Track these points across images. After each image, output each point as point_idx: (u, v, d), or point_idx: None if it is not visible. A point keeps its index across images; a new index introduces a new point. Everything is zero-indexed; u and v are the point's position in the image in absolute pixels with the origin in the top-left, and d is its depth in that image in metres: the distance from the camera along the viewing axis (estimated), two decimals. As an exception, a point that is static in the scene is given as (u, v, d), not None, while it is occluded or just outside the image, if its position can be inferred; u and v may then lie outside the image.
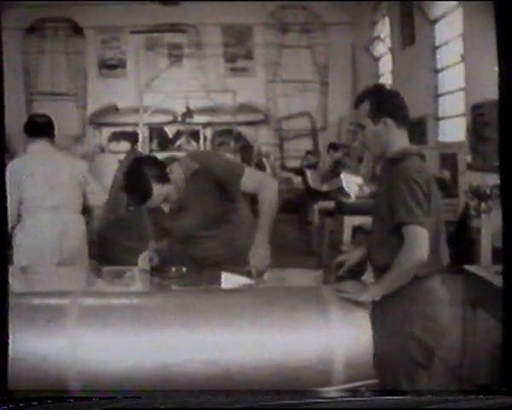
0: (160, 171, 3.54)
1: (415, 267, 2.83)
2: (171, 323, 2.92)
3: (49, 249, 4.76)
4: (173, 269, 3.65)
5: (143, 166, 3.51)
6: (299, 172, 12.81)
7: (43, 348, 2.86)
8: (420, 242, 2.80)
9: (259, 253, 3.49)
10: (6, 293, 2.72)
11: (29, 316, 2.96)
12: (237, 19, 16.36)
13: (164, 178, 3.52)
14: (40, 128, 5.04)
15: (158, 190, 3.47)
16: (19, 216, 4.80)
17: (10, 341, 2.83)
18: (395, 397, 2.72)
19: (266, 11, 16.38)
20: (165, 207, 3.59)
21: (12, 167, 4.68)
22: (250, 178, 3.68)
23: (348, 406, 2.65)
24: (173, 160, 3.87)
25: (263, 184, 3.68)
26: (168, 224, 3.75)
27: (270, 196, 3.65)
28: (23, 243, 4.77)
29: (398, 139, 3.02)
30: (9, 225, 4.43)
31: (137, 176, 3.48)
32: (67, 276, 4.19)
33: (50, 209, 4.80)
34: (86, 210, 5.19)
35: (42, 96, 17.68)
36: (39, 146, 4.95)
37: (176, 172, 3.63)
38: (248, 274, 3.41)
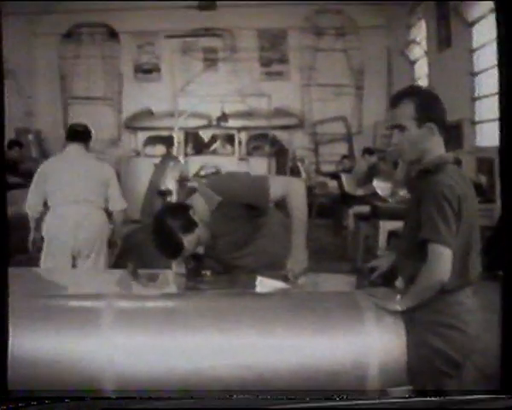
0: (185, 218, 3.48)
1: (435, 287, 2.79)
2: (204, 326, 2.92)
3: (64, 237, 5.34)
4: (208, 273, 3.65)
5: (167, 220, 3.45)
6: (334, 176, 12.75)
7: (79, 349, 2.88)
8: (442, 262, 2.75)
9: (297, 257, 3.48)
10: (6, 293, 2.74)
11: (65, 318, 2.98)
12: (272, 23, 16.37)
13: (191, 225, 3.47)
14: (77, 134, 5.64)
15: (188, 240, 3.44)
16: (45, 206, 5.47)
17: (47, 342, 2.86)
18: (396, 397, 2.74)
19: (301, 15, 16.34)
20: (200, 250, 3.58)
21: (43, 165, 5.60)
22: (276, 187, 3.63)
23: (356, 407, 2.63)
24: (192, 190, 3.81)
25: (290, 189, 3.64)
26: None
27: (298, 200, 3.61)
28: (46, 229, 5.43)
29: (437, 147, 2.92)
30: (34, 214, 5.48)
31: (165, 233, 3.43)
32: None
33: (72, 203, 5.36)
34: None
35: (78, 100, 17.87)
36: (73, 149, 5.56)
37: (200, 209, 3.58)
38: (284, 278, 3.39)
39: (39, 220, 5.53)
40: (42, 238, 5.51)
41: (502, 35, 2.66)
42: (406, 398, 2.78)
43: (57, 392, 2.73)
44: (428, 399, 2.73)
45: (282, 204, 3.68)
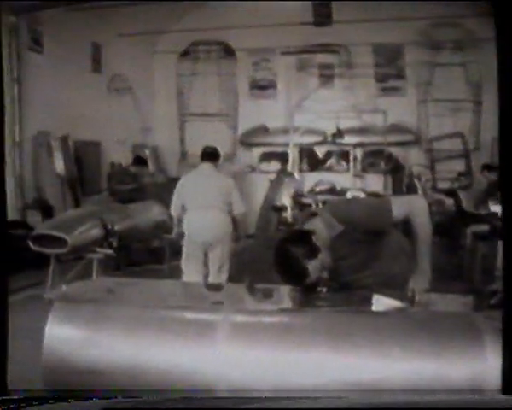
0: (309, 245, 3.47)
1: None
2: (319, 344, 2.91)
3: (198, 233, 7.28)
4: (323, 289, 3.63)
5: (291, 247, 3.46)
6: (451, 193, 12.47)
7: (193, 361, 2.92)
8: None
9: (422, 276, 3.43)
10: (6, 294, 2.79)
11: (181, 329, 3.03)
12: (388, 38, 16.20)
13: (315, 251, 3.46)
14: (208, 155, 7.57)
15: (313, 265, 3.44)
16: (183, 210, 7.42)
17: (162, 352, 2.92)
18: (395, 397, 2.66)
19: (417, 29, 16.07)
20: (324, 274, 3.57)
21: (183, 178, 7.72)
22: (399, 208, 3.61)
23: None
24: (312, 214, 3.80)
25: (413, 208, 3.62)
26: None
27: (423, 220, 3.60)
28: (186, 227, 7.40)
29: None
30: (176, 215, 7.57)
31: (289, 261, 3.44)
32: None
33: (204, 208, 7.26)
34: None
35: (194, 116, 18.22)
36: (205, 166, 7.52)
37: (321, 235, 3.57)
38: (403, 297, 3.33)
39: (180, 220, 7.53)
40: (182, 233, 7.52)
41: (502, 35, 2.63)
42: (406, 398, 2.68)
43: (57, 392, 2.75)
44: (428, 399, 2.63)
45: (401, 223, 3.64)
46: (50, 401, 2.57)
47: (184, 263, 7.52)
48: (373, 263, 3.71)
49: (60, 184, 13.30)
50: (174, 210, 7.57)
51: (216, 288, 4.99)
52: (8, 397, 2.64)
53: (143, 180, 11.23)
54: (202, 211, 7.25)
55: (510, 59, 2.61)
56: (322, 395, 2.73)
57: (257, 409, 2.56)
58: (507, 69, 2.62)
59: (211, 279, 7.27)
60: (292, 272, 3.46)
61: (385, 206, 3.64)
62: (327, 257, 3.54)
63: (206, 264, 7.44)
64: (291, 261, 3.43)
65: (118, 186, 11.04)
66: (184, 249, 7.50)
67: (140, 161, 11.24)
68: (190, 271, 7.38)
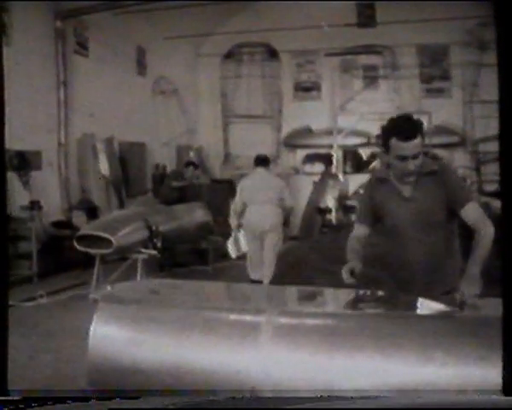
0: None
1: None
2: (364, 347, 2.88)
3: (256, 223, 8.94)
4: (368, 292, 3.60)
5: None
6: (498, 196, 12.29)
7: (237, 363, 2.92)
8: None
9: (472, 283, 3.41)
10: (6, 295, 2.78)
11: (225, 331, 3.03)
12: (433, 38, 16.06)
13: None
14: (260, 161, 9.18)
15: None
16: (244, 206, 9.01)
17: (206, 353, 2.92)
18: (396, 398, 2.65)
19: (463, 29, 15.89)
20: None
21: (243, 181, 9.39)
22: (474, 211, 3.74)
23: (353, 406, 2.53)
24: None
25: (484, 222, 3.72)
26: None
27: (490, 235, 3.67)
28: (246, 219, 9.04)
29: None
30: (238, 212, 9.17)
31: None
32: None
33: (260, 203, 8.92)
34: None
35: (238, 118, 18.27)
36: (258, 170, 9.13)
37: None
38: (451, 302, 3.29)
39: (240, 214, 9.07)
40: (241, 224, 9.14)
41: (502, 35, 2.61)
42: (409, 398, 2.63)
43: (57, 392, 2.74)
44: (429, 399, 2.58)
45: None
46: (50, 403, 2.56)
47: (246, 249, 9.34)
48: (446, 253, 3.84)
49: (105, 185, 13.45)
50: (237, 206, 9.19)
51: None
52: (7, 398, 2.65)
53: (190, 182, 11.32)
54: (260, 206, 8.97)
55: (510, 59, 2.59)
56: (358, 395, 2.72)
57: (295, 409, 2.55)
58: (507, 69, 2.60)
59: (265, 258, 9.03)
60: None
61: (467, 192, 3.93)
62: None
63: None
64: None
65: (171, 184, 11.13)
66: (243, 237, 9.32)
67: (191, 164, 11.48)
68: (252, 255, 9.20)
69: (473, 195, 3.89)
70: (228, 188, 13.16)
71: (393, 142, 3.57)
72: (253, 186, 9.09)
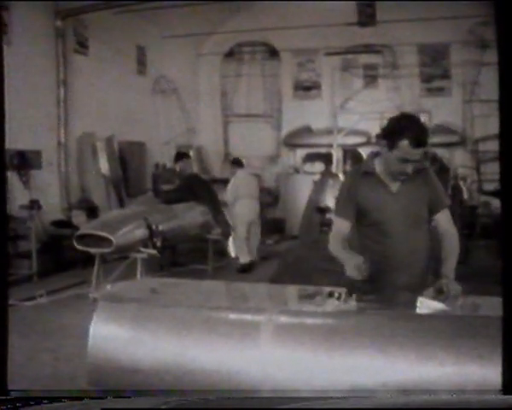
0: None
1: None
2: (364, 346, 2.88)
3: (245, 214, 11.22)
4: (342, 293, 3.60)
5: None
6: (498, 195, 12.29)
7: (237, 362, 2.92)
8: None
9: (452, 283, 3.45)
10: (6, 295, 2.78)
11: (225, 330, 3.04)
12: (433, 37, 16.05)
13: None
14: (239, 163, 11.73)
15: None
16: (235, 200, 11.18)
17: (207, 351, 2.92)
18: (394, 397, 2.65)
19: (464, 28, 15.86)
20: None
21: (233, 180, 11.48)
22: (446, 218, 3.86)
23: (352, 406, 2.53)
24: None
25: (453, 228, 3.83)
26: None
27: (457, 240, 3.81)
28: (236, 211, 11.22)
29: None
30: (230, 203, 11.24)
31: None
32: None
33: (246, 197, 11.27)
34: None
35: (238, 117, 18.27)
36: (240, 172, 11.52)
37: None
38: (437, 294, 3.33)
39: (231, 207, 11.22)
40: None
41: (502, 35, 2.62)
42: (406, 398, 2.63)
43: (56, 392, 2.73)
44: (429, 398, 2.58)
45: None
46: (48, 402, 2.56)
47: (236, 232, 11.32)
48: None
49: (104, 184, 13.44)
50: (228, 201, 11.27)
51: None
52: (5, 397, 2.64)
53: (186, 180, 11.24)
54: (246, 200, 11.26)
55: (511, 58, 2.59)
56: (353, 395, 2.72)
57: (291, 409, 2.55)
58: (507, 68, 2.61)
59: (253, 243, 11.40)
60: None
61: (445, 199, 3.95)
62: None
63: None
64: None
65: (163, 186, 11.08)
66: (235, 226, 11.24)
67: (182, 155, 11.25)
68: (240, 237, 11.29)
69: (447, 201, 3.87)
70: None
71: (403, 144, 3.55)
72: (241, 184, 11.31)
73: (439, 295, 3.34)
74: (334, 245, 3.85)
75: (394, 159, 3.62)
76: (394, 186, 3.78)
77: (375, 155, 3.90)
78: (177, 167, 10.94)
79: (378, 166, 3.81)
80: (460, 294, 3.44)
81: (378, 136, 3.61)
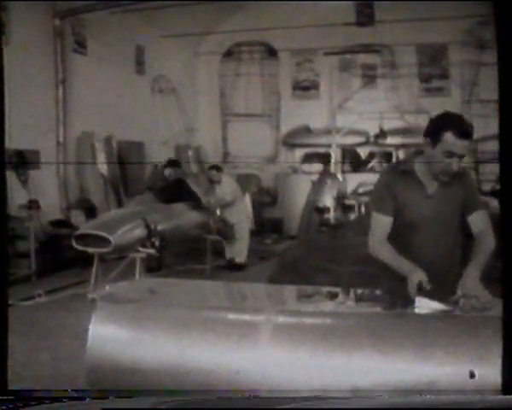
0: None
1: None
2: (363, 346, 2.88)
3: (230, 214, 11.54)
4: (365, 292, 3.59)
5: None
6: (496, 195, 12.27)
7: (236, 362, 2.92)
8: None
9: (470, 284, 3.34)
10: (6, 295, 2.78)
11: (224, 331, 3.03)
12: (432, 38, 16.05)
13: None
14: (218, 169, 11.93)
15: None
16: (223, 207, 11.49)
17: (205, 352, 2.92)
18: (396, 397, 2.65)
19: (463, 28, 15.89)
20: None
21: (217, 189, 11.71)
22: (482, 219, 3.74)
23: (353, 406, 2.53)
24: None
25: (489, 232, 3.70)
26: None
27: (491, 246, 3.64)
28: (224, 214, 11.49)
29: None
30: (221, 205, 11.43)
31: None
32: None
33: (233, 204, 11.55)
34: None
35: (236, 117, 18.27)
36: (225, 176, 11.89)
37: None
38: (449, 302, 3.26)
39: (223, 207, 11.41)
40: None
41: (501, 35, 2.63)
42: (406, 398, 2.63)
43: (56, 392, 2.73)
44: (428, 398, 2.60)
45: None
46: (49, 401, 2.56)
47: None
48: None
49: (103, 184, 13.43)
50: (217, 203, 11.41)
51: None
52: (5, 397, 2.64)
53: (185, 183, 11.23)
54: (236, 204, 11.80)
55: (510, 58, 2.59)
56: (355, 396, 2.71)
57: (291, 409, 2.55)
58: (506, 68, 2.61)
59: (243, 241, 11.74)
60: None
61: (480, 201, 3.87)
62: None
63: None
64: None
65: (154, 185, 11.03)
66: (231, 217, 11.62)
67: (173, 163, 11.19)
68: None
69: (483, 203, 3.78)
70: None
71: (447, 136, 3.46)
72: (222, 186, 11.68)
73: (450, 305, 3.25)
74: (381, 247, 3.70)
75: (438, 154, 3.53)
76: (432, 188, 3.68)
77: (415, 153, 3.81)
78: (167, 173, 10.88)
79: (418, 166, 3.71)
80: (487, 299, 3.28)
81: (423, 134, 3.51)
